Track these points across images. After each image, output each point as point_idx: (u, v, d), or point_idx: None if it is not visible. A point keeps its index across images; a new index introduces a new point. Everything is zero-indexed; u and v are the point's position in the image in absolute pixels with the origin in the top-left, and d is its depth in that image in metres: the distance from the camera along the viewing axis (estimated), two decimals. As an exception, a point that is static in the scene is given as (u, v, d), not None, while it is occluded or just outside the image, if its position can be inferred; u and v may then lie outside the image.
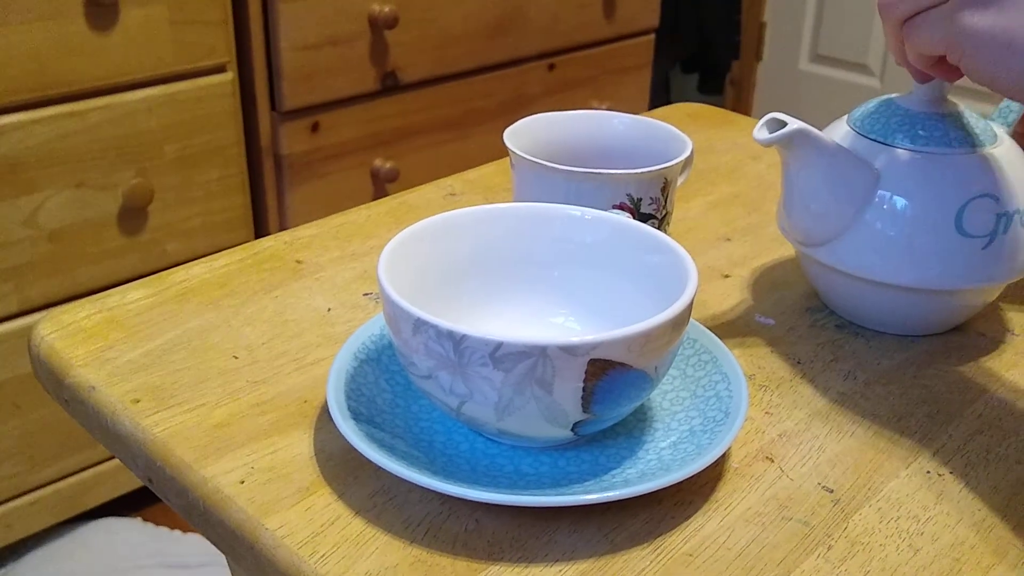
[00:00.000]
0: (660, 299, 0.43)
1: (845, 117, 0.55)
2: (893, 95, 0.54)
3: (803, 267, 0.57)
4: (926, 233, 0.50)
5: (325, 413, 0.47)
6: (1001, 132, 0.53)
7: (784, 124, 0.50)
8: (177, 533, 1.32)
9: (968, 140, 0.51)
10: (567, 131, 0.60)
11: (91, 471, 1.26)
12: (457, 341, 0.38)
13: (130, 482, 1.30)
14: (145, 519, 1.34)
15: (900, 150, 0.51)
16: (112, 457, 1.27)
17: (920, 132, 0.51)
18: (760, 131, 0.50)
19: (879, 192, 0.51)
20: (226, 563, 1.07)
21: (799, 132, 0.49)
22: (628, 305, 0.47)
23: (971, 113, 0.53)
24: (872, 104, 0.54)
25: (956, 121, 0.52)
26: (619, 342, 0.38)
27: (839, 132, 0.54)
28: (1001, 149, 0.52)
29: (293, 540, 0.39)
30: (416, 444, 0.43)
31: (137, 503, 1.35)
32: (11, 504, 1.21)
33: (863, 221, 0.51)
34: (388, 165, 1.39)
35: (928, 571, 0.39)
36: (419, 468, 0.40)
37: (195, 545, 1.30)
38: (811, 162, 0.51)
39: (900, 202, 0.51)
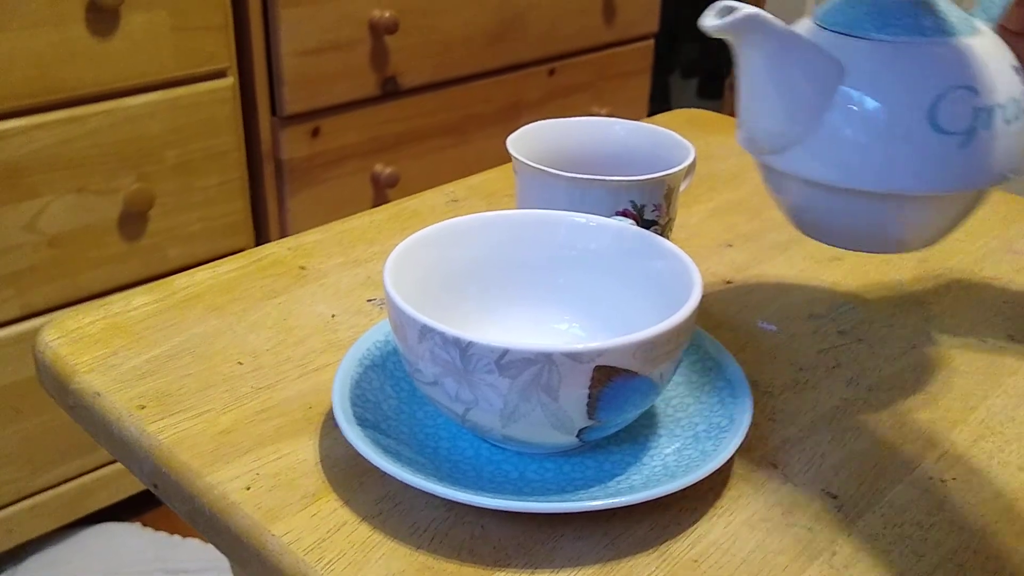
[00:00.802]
0: (664, 305, 0.43)
1: (810, 15, 0.50)
2: None
3: (766, 186, 0.51)
4: (896, 130, 0.45)
5: (330, 419, 0.47)
6: (981, 24, 0.48)
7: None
8: (177, 538, 1.32)
9: (942, 28, 0.46)
10: (570, 138, 0.61)
11: (91, 476, 1.26)
12: (463, 348, 0.38)
13: (130, 487, 1.30)
14: (145, 524, 1.34)
15: (866, 40, 0.46)
16: (112, 462, 1.27)
17: (889, 21, 0.46)
18: (708, 18, 0.45)
19: (843, 87, 0.46)
20: (226, 568, 1.07)
21: (751, 17, 0.44)
22: (632, 311, 0.47)
23: (946, 2, 0.48)
24: None
25: (929, 9, 0.47)
26: (625, 349, 0.38)
27: (801, 29, 0.49)
28: (980, 40, 0.47)
29: (299, 546, 0.39)
30: (421, 450, 0.43)
31: (137, 508, 1.35)
32: (11, 509, 1.20)
33: (826, 120, 0.45)
34: (388, 170, 1.40)
35: (932, 577, 0.39)
36: (425, 474, 0.41)
37: (195, 550, 1.30)
38: (766, 53, 0.45)
39: (867, 96, 0.45)
